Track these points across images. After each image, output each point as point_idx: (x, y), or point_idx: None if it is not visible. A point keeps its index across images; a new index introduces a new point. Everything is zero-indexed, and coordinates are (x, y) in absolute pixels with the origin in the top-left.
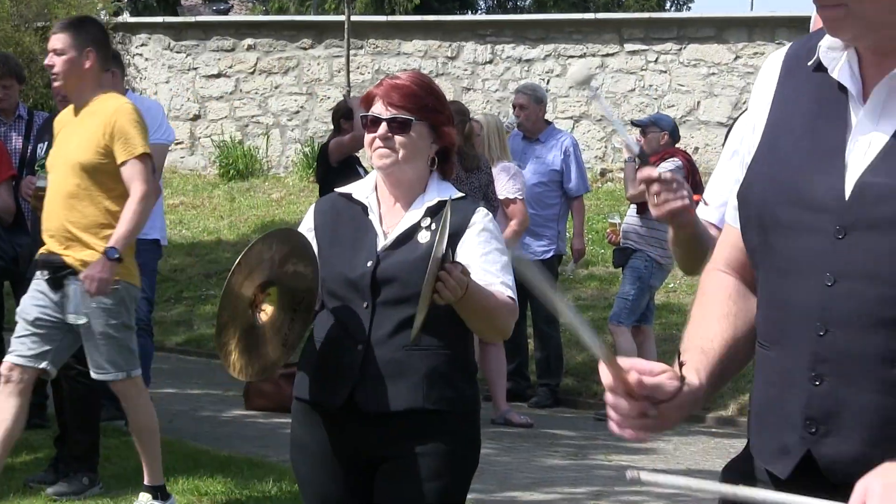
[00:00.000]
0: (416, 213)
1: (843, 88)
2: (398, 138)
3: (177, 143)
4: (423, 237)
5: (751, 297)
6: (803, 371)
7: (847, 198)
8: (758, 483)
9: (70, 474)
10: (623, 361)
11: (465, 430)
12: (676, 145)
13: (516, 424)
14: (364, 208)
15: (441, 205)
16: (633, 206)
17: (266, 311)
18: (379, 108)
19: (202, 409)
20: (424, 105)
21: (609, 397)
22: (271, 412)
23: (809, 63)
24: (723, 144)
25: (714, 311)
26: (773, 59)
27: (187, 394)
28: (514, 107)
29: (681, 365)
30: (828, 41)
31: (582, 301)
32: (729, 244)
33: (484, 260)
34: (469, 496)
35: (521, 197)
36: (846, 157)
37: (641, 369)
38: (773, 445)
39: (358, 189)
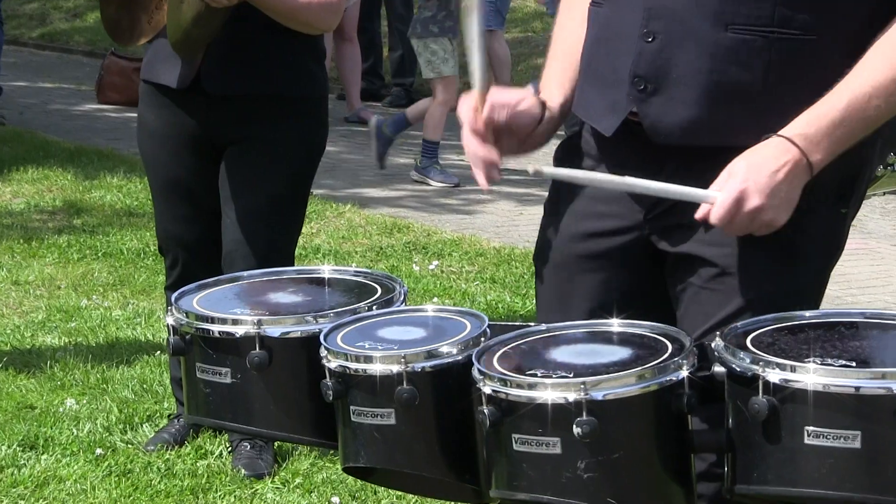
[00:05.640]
0: None
1: None
2: None
3: None
4: None
5: None
6: (635, 27)
7: None
8: (584, 157)
9: None
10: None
11: (313, 115)
12: None
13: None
14: None
15: None
16: None
17: None
18: None
19: (53, 102)
20: None
21: (465, 137)
22: (123, 106)
23: None
24: None
25: (573, 16)
26: None
27: (39, 87)
28: None
29: (538, 91)
30: None
31: None
32: None
33: None
34: (318, 191)
35: None
36: None
37: (501, 103)
38: (600, 103)
39: None
